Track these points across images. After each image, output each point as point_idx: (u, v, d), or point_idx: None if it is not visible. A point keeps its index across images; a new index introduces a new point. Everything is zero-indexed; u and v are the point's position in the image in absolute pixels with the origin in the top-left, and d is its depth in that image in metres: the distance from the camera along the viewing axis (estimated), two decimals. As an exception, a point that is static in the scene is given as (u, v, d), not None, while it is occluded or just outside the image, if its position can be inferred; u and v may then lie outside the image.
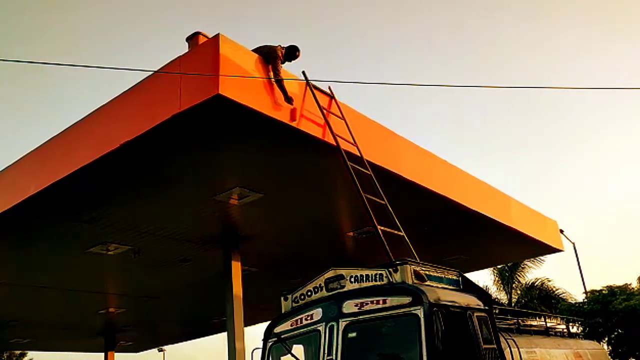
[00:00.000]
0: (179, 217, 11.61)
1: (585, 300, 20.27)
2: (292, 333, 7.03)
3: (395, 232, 8.59)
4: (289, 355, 6.79)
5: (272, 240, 13.77)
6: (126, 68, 7.88)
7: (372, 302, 6.35)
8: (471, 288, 7.38)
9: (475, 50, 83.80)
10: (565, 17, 78.06)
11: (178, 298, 18.86)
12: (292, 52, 9.03)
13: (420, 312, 5.97)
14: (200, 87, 7.62)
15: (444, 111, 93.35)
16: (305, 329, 6.87)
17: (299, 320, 7.01)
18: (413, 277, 6.56)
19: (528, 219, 16.51)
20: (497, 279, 29.35)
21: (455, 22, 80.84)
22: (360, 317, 6.38)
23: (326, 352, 6.33)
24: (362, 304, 6.41)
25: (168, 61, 8.23)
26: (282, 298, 7.65)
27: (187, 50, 8.48)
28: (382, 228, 8.27)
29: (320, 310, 6.79)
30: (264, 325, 7.62)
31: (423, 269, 6.83)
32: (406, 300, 6.14)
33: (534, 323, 11.25)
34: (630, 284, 19.40)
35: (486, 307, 7.05)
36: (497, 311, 8.69)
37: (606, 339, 18.29)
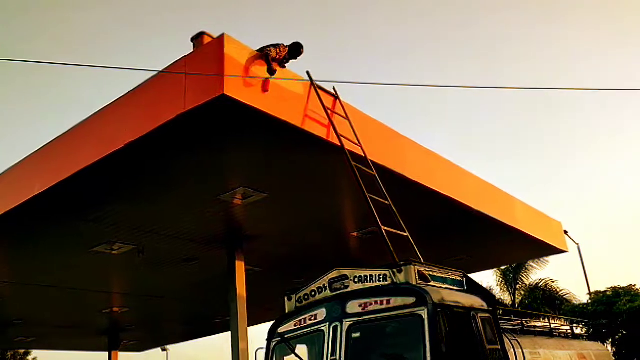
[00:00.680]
0: (183, 216, 11.63)
1: (590, 301, 20.28)
2: (296, 333, 7.04)
3: (400, 232, 8.58)
4: (293, 355, 6.80)
5: (276, 240, 13.77)
6: (131, 68, 7.90)
7: (376, 302, 6.35)
8: (475, 289, 7.37)
9: (483, 50, 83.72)
10: (575, 17, 77.91)
11: (182, 298, 18.89)
12: (296, 50, 8.95)
13: (424, 312, 5.97)
14: (205, 87, 7.63)
15: (449, 112, 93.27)
16: (309, 329, 6.88)
17: (302, 320, 7.02)
18: (417, 277, 6.56)
19: (532, 220, 16.47)
20: (501, 279, 29.34)
21: (461, 22, 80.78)
22: (364, 317, 6.39)
23: (330, 352, 6.34)
24: (366, 305, 6.41)
25: (173, 61, 8.25)
26: (286, 298, 7.66)
27: (192, 50, 8.49)
28: (386, 228, 8.27)
29: (324, 310, 6.80)
30: (267, 325, 7.63)
31: (427, 269, 6.83)
32: (410, 300, 6.14)
33: (538, 324, 11.24)
34: (634, 286, 19.40)
35: (490, 308, 7.04)
36: (501, 312, 8.69)
37: (610, 340, 18.29)
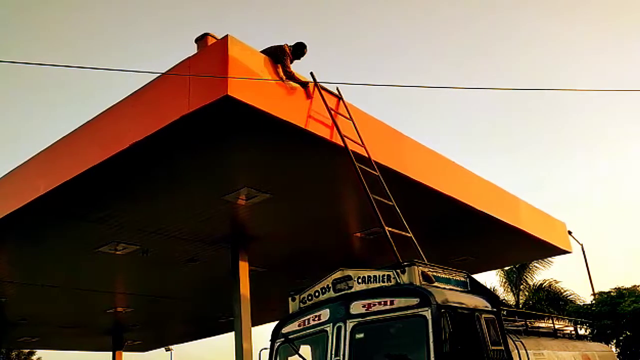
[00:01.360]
0: (187, 217, 11.66)
1: (594, 302, 20.21)
2: (299, 333, 7.05)
3: (403, 233, 8.58)
4: (297, 355, 6.80)
5: (279, 240, 13.79)
6: (135, 70, 7.92)
7: (379, 303, 6.35)
8: (479, 289, 7.36)
9: (484, 49, 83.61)
10: (577, 16, 77.77)
11: (186, 298, 18.92)
12: (299, 50, 9.03)
13: (427, 313, 5.97)
14: (209, 88, 7.66)
15: (453, 112, 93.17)
16: (312, 330, 6.88)
17: (306, 321, 7.02)
18: (421, 278, 6.57)
19: (536, 220, 16.45)
20: (504, 280, 29.25)
21: (463, 22, 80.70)
22: (368, 318, 6.39)
23: (333, 352, 6.34)
24: (369, 305, 6.41)
25: (177, 62, 8.28)
26: (289, 298, 7.67)
27: (196, 52, 8.52)
28: (390, 229, 8.27)
29: (327, 310, 6.80)
30: (271, 325, 7.65)
31: (431, 270, 6.84)
32: (414, 301, 6.14)
33: (542, 325, 11.22)
34: (638, 286, 19.33)
35: (494, 309, 7.03)
36: (504, 313, 8.68)
37: (614, 341, 18.22)
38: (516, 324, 9.65)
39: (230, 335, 14.25)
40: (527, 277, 28.64)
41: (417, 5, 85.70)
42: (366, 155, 9.44)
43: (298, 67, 9.07)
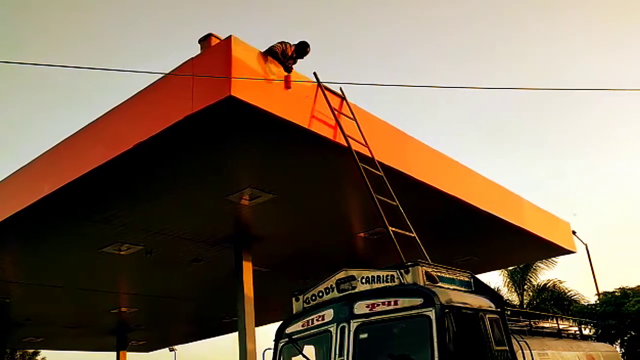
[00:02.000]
0: (191, 217, 11.67)
1: (598, 302, 20.18)
2: (303, 334, 7.05)
3: (407, 233, 8.58)
4: (300, 356, 6.81)
5: (283, 240, 13.80)
6: (139, 70, 7.94)
7: (383, 303, 6.35)
8: (483, 289, 7.35)
9: (488, 49, 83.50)
10: (584, 15, 77.58)
11: (189, 298, 18.95)
12: (302, 49, 8.96)
13: (431, 313, 5.97)
14: (212, 89, 7.67)
15: (456, 112, 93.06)
16: (316, 330, 6.88)
17: (310, 321, 7.02)
18: (425, 278, 6.56)
19: (540, 220, 16.41)
20: (508, 280, 29.21)
21: (466, 22, 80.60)
22: (372, 318, 6.38)
23: (337, 353, 6.34)
24: (373, 305, 6.41)
25: (181, 63, 8.29)
26: (293, 298, 7.67)
27: (199, 52, 8.53)
28: (394, 229, 8.26)
29: (331, 311, 6.80)
30: (275, 326, 7.65)
31: (434, 270, 6.83)
32: (418, 301, 6.14)
33: (546, 325, 11.19)
34: (643, 286, 19.27)
35: (498, 309, 7.02)
36: (509, 313, 8.66)
37: (619, 341, 18.18)
38: (520, 324, 9.63)
39: (234, 336, 14.28)
40: (531, 277, 28.61)
41: (420, 5, 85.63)
42: (370, 155, 9.43)
43: (301, 67, 9.09)
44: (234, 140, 8.90)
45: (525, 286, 28.68)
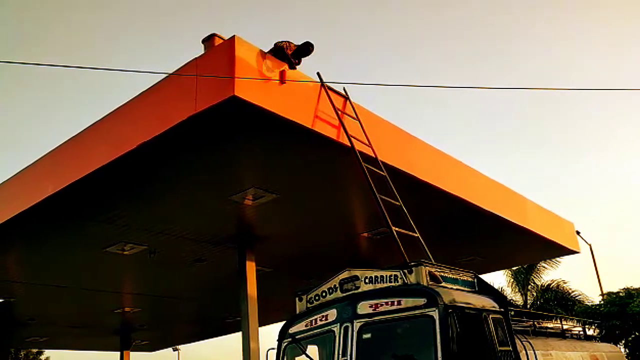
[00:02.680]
0: (194, 217, 11.69)
1: (602, 302, 20.11)
2: (306, 334, 7.05)
3: (410, 233, 8.57)
4: (304, 355, 6.81)
5: (286, 240, 13.80)
6: (142, 70, 7.95)
7: (386, 303, 6.34)
8: (486, 290, 7.34)
9: (492, 49, 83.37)
10: (586, 16, 77.39)
11: (193, 298, 18.97)
12: (305, 48, 8.93)
13: (435, 313, 5.96)
14: (216, 89, 7.67)
15: (459, 112, 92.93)
16: (319, 330, 6.88)
17: (313, 321, 7.02)
18: (428, 278, 6.55)
19: (544, 220, 16.38)
20: (512, 280, 29.15)
21: (470, 23, 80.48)
22: (375, 318, 6.38)
23: (340, 353, 6.34)
24: (376, 305, 6.41)
25: (184, 63, 8.29)
26: (296, 298, 7.67)
27: (203, 52, 8.53)
28: (397, 229, 8.26)
29: (335, 311, 6.80)
30: (278, 325, 7.65)
31: (438, 270, 6.82)
32: (421, 301, 6.13)
33: (550, 325, 11.16)
34: (647, 287, 19.20)
35: (502, 309, 7.01)
36: (512, 313, 8.64)
37: (623, 341, 18.13)
38: (524, 324, 9.61)
39: (238, 335, 14.31)
40: (534, 278, 28.53)
41: (422, 5, 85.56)
42: (373, 155, 9.42)
43: (305, 67, 9.08)
44: (237, 140, 8.91)
45: (529, 286, 28.60)
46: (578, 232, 20.02)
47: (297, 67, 8.80)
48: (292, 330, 7.27)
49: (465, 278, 7.30)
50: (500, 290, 24.00)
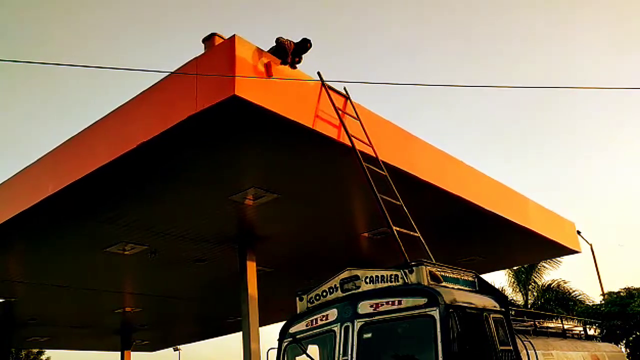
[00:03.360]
0: (195, 217, 11.68)
1: (603, 302, 20.10)
2: (307, 333, 7.05)
3: (411, 233, 8.56)
4: (304, 355, 6.80)
5: (287, 240, 13.79)
6: (143, 69, 7.95)
7: (387, 303, 6.34)
8: (487, 289, 7.33)
9: (495, 49, 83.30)
10: (587, 17, 77.33)
11: (193, 298, 18.97)
12: (303, 45, 8.83)
13: (436, 313, 5.95)
14: (216, 88, 7.66)
15: (460, 112, 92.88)
16: (320, 330, 6.88)
17: (314, 321, 7.02)
18: (429, 278, 6.54)
19: (545, 220, 16.37)
20: (513, 280, 29.14)
21: (470, 22, 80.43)
22: (376, 318, 6.38)
23: (341, 352, 6.34)
24: (377, 305, 6.40)
25: (185, 62, 8.29)
26: (297, 298, 7.67)
27: (203, 51, 8.52)
28: (398, 229, 8.25)
29: (335, 310, 6.80)
30: (279, 325, 7.64)
31: (439, 270, 6.81)
32: (422, 301, 6.12)
33: (551, 325, 11.16)
34: (648, 287, 19.19)
35: (502, 309, 7.01)
36: (513, 313, 8.64)
37: (624, 341, 18.11)
38: (525, 324, 9.61)
39: (238, 335, 14.28)
40: (535, 277, 28.52)
41: (424, 5, 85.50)
42: (374, 155, 9.41)
43: (305, 67, 9.07)
44: (237, 139, 8.90)
45: (530, 286, 28.59)
46: (579, 232, 20.00)
47: (297, 65, 8.78)
48: (292, 330, 7.26)
49: (466, 278, 7.30)
50: (501, 290, 24.04)
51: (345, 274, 7.11)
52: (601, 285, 25.54)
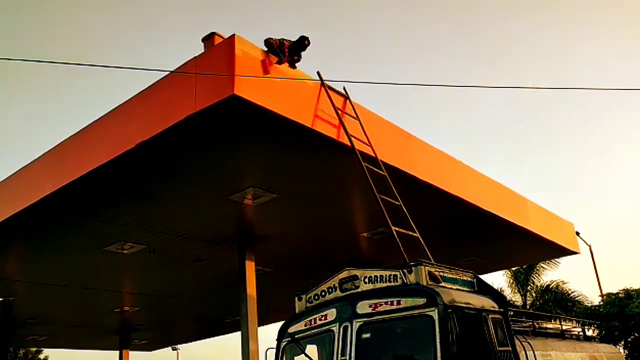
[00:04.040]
0: (194, 217, 11.67)
1: (602, 303, 20.11)
2: (306, 333, 7.05)
3: (410, 233, 8.55)
4: (303, 355, 6.80)
5: (286, 240, 13.78)
6: (142, 68, 7.93)
7: (386, 303, 6.34)
8: (486, 290, 7.33)
9: (492, 51, 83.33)
10: (589, 19, 77.38)
11: (192, 297, 18.97)
12: (300, 43, 8.68)
13: (434, 313, 5.96)
14: (215, 88, 7.65)
15: (461, 112, 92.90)
16: (319, 329, 6.88)
17: (313, 321, 7.02)
18: (427, 278, 6.54)
19: (544, 221, 16.37)
20: (512, 280, 29.15)
21: (472, 23, 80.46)
22: (374, 318, 6.38)
23: (340, 352, 6.33)
24: (376, 305, 6.40)
25: (184, 61, 8.27)
26: (296, 298, 7.67)
27: (202, 51, 8.51)
28: (397, 229, 8.24)
29: (334, 310, 6.80)
30: (278, 325, 7.64)
31: (437, 270, 6.81)
32: (420, 301, 6.12)
33: (550, 326, 11.15)
34: (647, 288, 19.19)
35: (501, 309, 7.01)
36: (512, 313, 8.63)
37: (623, 342, 18.12)
38: (523, 324, 9.59)
39: (237, 335, 14.28)
40: (534, 278, 28.53)
41: (424, 5, 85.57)
42: (373, 155, 9.41)
43: (305, 66, 9.07)
44: (237, 139, 8.89)
45: (529, 287, 28.61)
46: (578, 233, 20.00)
47: (297, 64, 8.76)
48: (291, 329, 7.26)
49: (465, 278, 7.29)
50: (499, 290, 24.02)
51: (344, 274, 7.11)
52: (600, 286, 25.54)
